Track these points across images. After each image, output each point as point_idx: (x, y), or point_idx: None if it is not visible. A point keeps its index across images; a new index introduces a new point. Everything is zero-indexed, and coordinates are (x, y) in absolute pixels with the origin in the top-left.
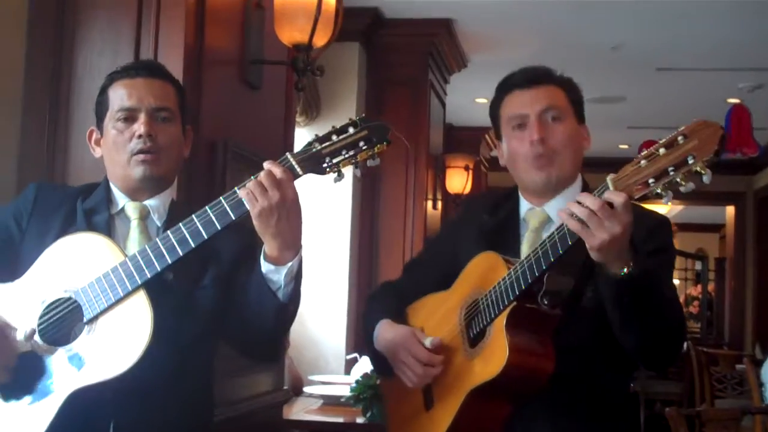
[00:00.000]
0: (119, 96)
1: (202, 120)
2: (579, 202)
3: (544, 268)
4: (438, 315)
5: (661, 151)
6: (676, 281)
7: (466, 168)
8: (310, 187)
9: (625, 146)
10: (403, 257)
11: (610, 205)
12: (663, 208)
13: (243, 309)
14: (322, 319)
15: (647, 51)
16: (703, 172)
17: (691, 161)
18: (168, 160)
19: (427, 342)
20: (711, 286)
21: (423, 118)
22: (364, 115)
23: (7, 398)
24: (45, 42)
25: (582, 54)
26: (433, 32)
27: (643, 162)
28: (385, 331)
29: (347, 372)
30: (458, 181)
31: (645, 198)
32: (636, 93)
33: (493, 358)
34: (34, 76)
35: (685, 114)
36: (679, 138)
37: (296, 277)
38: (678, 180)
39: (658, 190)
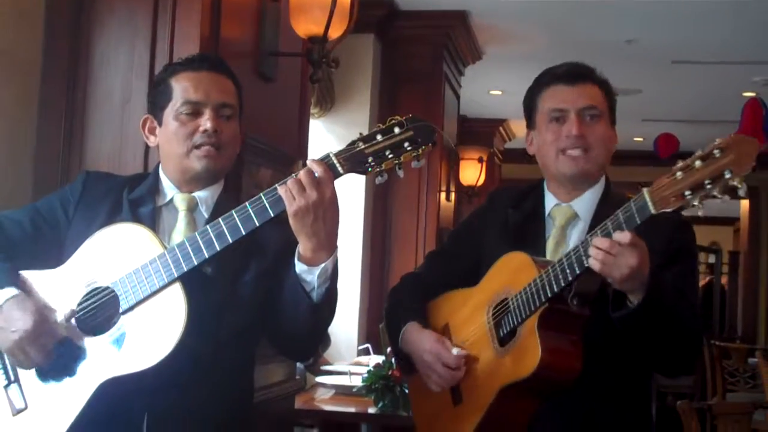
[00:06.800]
0: (184, 88)
1: None
2: (596, 246)
3: (577, 272)
4: (464, 312)
5: (697, 163)
6: None
7: (480, 160)
8: None
9: (640, 139)
10: (416, 248)
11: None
12: None
13: (279, 308)
14: None
15: (662, 44)
16: (740, 186)
17: (728, 175)
18: (227, 156)
19: (455, 352)
20: (724, 279)
21: (437, 109)
22: (411, 115)
23: (43, 380)
24: (61, 36)
25: (597, 47)
26: (448, 24)
27: (678, 174)
28: (412, 335)
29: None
30: (472, 172)
31: (681, 209)
32: (651, 86)
33: (525, 357)
34: (51, 70)
35: (701, 107)
36: (715, 151)
37: (331, 278)
38: (715, 193)
39: (695, 203)
